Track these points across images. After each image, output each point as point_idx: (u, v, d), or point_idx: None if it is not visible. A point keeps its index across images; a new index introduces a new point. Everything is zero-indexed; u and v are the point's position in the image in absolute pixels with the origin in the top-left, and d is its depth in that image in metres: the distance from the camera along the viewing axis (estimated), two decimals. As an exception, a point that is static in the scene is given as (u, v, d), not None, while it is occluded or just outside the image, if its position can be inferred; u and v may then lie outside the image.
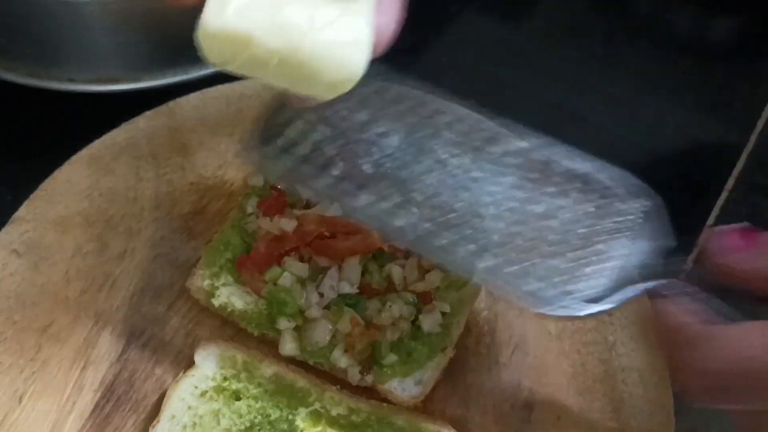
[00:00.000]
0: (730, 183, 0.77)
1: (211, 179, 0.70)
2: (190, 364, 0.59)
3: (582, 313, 0.42)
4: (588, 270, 0.43)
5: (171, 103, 0.74)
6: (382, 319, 0.58)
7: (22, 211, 0.67)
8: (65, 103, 0.77)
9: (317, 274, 0.61)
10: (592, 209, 0.45)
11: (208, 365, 0.58)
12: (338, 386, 0.57)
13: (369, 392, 0.58)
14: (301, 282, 0.60)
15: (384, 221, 0.44)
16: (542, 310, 0.42)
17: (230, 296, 0.61)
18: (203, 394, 0.57)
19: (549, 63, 0.85)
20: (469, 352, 0.62)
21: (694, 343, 0.37)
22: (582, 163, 0.46)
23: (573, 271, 0.43)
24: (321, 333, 0.58)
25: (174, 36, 0.78)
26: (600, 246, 0.43)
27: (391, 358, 0.58)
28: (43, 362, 0.60)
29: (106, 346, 0.61)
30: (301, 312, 0.59)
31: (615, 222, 0.44)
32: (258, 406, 0.56)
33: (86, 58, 0.78)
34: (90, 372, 0.59)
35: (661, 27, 0.94)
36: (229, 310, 0.61)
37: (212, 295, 0.61)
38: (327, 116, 0.46)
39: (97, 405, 0.58)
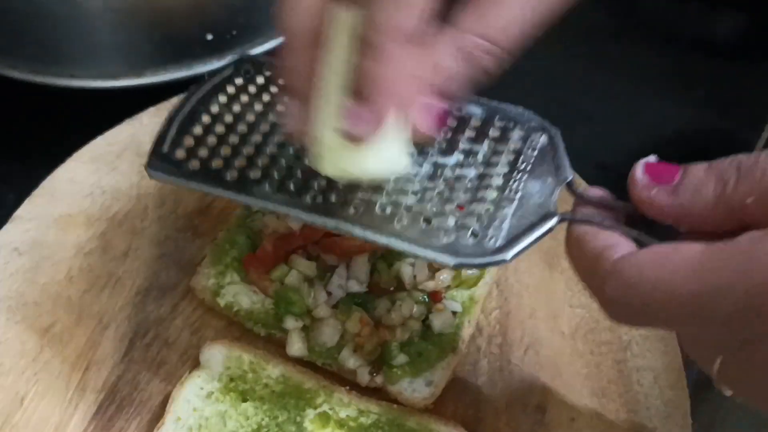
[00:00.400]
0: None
1: (216, 177, 0.69)
2: (195, 364, 0.57)
3: (494, 260, 0.41)
4: (493, 215, 0.42)
5: (174, 99, 0.72)
6: (392, 318, 0.57)
7: (23, 209, 0.66)
8: (67, 100, 0.75)
9: (325, 272, 0.59)
10: (486, 152, 0.45)
11: (213, 366, 0.57)
12: (347, 387, 0.56)
13: (378, 393, 0.56)
14: (309, 281, 0.59)
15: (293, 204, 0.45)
16: (454, 264, 0.41)
17: (236, 295, 0.60)
18: (209, 395, 0.55)
19: (555, 60, 0.84)
20: (480, 353, 0.60)
21: (604, 275, 0.37)
22: (473, 108, 0.47)
23: (478, 218, 0.42)
24: (329, 333, 0.57)
25: (178, 31, 0.77)
26: (502, 190, 0.44)
27: (401, 358, 0.56)
28: (45, 363, 0.58)
29: (110, 347, 0.59)
30: (309, 311, 0.58)
31: (511, 163, 0.44)
32: (265, 407, 0.55)
33: (87, 53, 0.77)
34: (93, 373, 0.58)
35: (668, 25, 0.94)
36: (234, 309, 0.60)
37: (218, 294, 0.60)
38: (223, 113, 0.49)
39: (100, 407, 0.56)
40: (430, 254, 0.42)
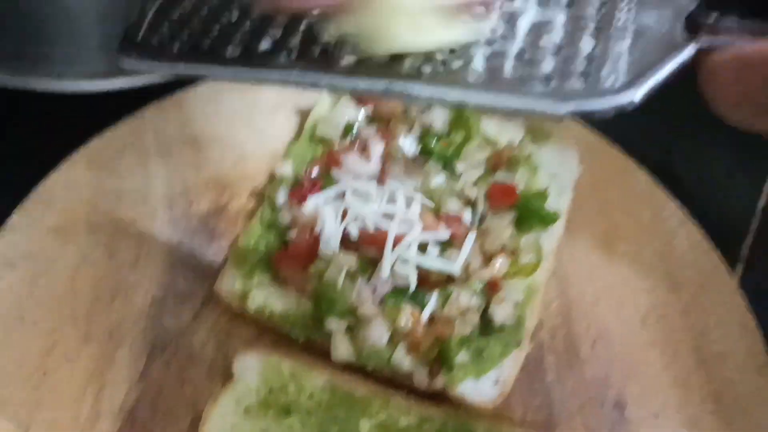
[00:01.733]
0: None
1: (230, 174, 0.62)
2: (226, 378, 0.50)
3: (619, 101, 0.33)
4: (605, 51, 0.34)
5: (178, 95, 0.66)
6: (449, 312, 0.50)
7: (15, 219, 0.58)
8: (57, 101, 0.68)
9: (367, 266, 0.53)
10: None
11: (249, 377, 0.49)
12: (404, 392, 0.49)
13: (440, 398, 0.50)
14: (351, 275, 0.52)
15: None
16: (566, 111, 0.33)
17: (267, 298, 0.53)
18: (247, 411, 0.48)
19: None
20: (544, 348, 0.54)
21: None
22: None
23: (585, 59, 0.35)
24: (378, 333, 0.50)
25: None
26: (609, 25, 0.36)
27: (462, 356, 0.50)
28: (50, 388, 0.50)
29: (125, 366, 0.52)
30: (353, 310, 0.51)
31: None
32: (312, 421, 0.48)
33: (74, 50, 0.70)
34: (107, 396, 0.50)
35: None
36: (267, 313, 0.53)
37: (246, 298, 0.53)
38: None
39: (118, 433, 0.49)
40: (528, 103, 0.33)
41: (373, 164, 0.57)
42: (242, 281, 0.54)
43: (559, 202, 0.58)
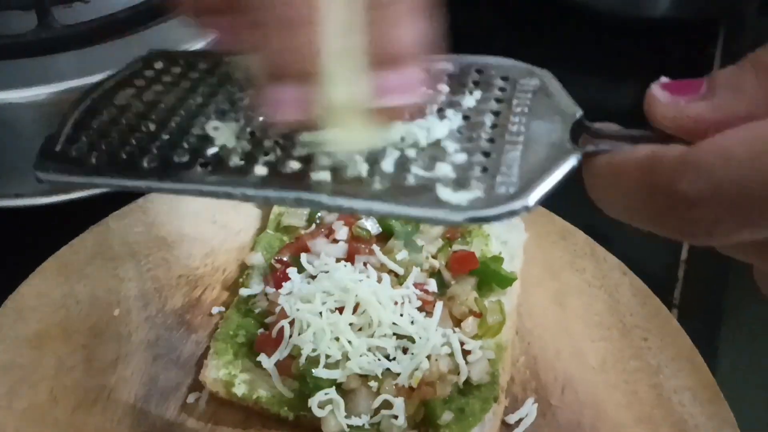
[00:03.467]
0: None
1: (201, 268, 0.65)
2: (221, 465, 0.51)
3: (513, 208, 0.34)
4: (497, 161, 0.36)
5: (141, 200, 0.69)
6: (430, 375, 0.54)
7: (-13, 332, 0.59)
8: (18, 218, 0.70)
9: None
10: (471, 102, 0.39)
11: (245, 461, 0.50)
12: (397, 456, 0.51)
13: (430, 458, 0.52)
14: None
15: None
16: (463, 219, 0.34)
17: (252, 382, 0.55)
18: (247, 493, 0.49)
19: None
20: (518, 401, 0.58)
21: (672, 176, 0.30)
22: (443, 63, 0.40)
23: (477, 167, 0.36)
24: (364, 402, 0.53)
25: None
26: (501, 135, 0.37)
27: (447, 416, 0.53)
28: (40, 497, 0.50)
29: (115, 465, 0.52)
30: (339, 384, 0.54)
31: (504, 108, 0.38)
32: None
33: (29, 169, 0.72)
34: (100, 498, 0.50)
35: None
36: (254, 397, 0.54)
37: (232, 385, 0.55)
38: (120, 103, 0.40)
39: None
40: (428, 213, 0.34)
41: (340, 246, 0.61)
42: (226, 369, 0.55)
43: (512, 265, 0.63)
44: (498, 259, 0.61)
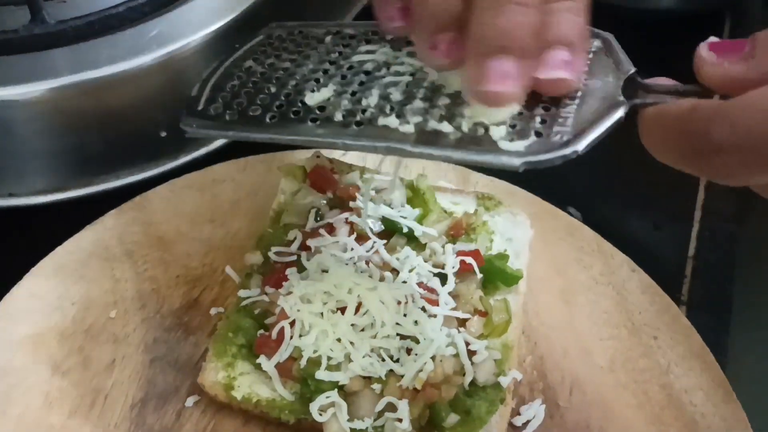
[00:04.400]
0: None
1: (199, 268, 0.63)
2: (220, 471, 0.50)
3: (565, 153, 0.39)
4: (556, 113, 0.41)
5: (138, 198, 0.67)
6: (435, 377, 0.52)
7: (-20, 336, 0.57)
8: (11, 218, 0.68)
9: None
10: None
11: (245, 466, 0.49)
12: (401, 460, 0.50)
13: (435, 461, 0.51)
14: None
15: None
16: (520, 163, 0.39)
17: (252, 385, 0.54)
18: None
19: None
20: (526, 402, 0.56)
21: (707, 123, 0.35)
22: None
23: (539, 119, 0.41)
24: (367, 406, 0.51)
25: (128, 132, 0.72)
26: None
27: (453, 418, 0.51)
28: (35, 505, 0.49)
29: (112, 472, 0.51)
30: (341, 387, 0.52)
31: None
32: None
33: (22, 168, 0.70)
34: (97, 506, 0.49)
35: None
36: (254, 400, 0.53)
37: (231, 388, 0.53)
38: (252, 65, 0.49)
39: None
40: (491, 158, 0.40)
41: (342, 244, 0.59)
42: (225, 371, 0.54)
43: (518, 262, 0.61)
44: (503, 257, 0.60)
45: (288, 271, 0.57)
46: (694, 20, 0.96)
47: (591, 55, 0.43)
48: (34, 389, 0.55)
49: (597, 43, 0.44)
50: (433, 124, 0.42)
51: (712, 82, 0.37)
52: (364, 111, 0.44)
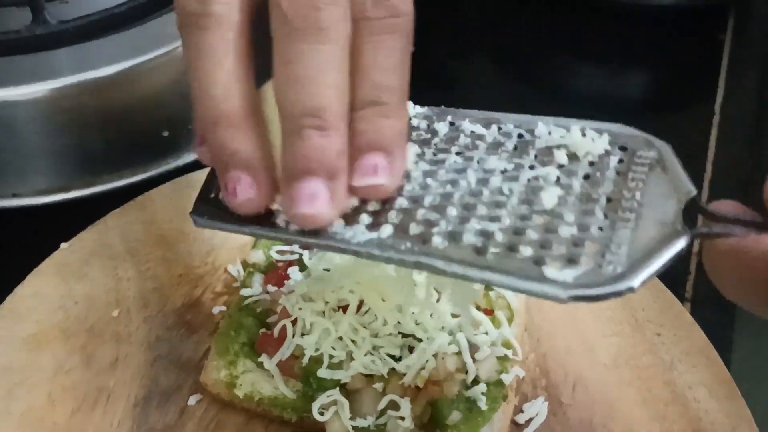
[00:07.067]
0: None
1: (201, 268, 0.63)
2: (222, 469, 0.50)
3: (619, 289, 0.34)
4: (608, 238, 0.36)
5: (140, 198, 0.67)
6: (436, 374, 0.52)
7: (-17, 335, 0.57)
8: (15, 218, 0.69)
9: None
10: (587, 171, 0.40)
11: (247, 464, 0.49)
12: (403, 458, 0.50)
13: (438, 459, 0.51)
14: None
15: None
16: (567, 297, 0.34)
17: (254, 383, 0.53)
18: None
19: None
20: (528, 399, 0.56)
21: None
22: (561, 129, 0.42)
23: (589, 243, 0.36)
24: (369, 403, 0.51)
25: (130, 132, 0.73)
26: (614, 210, 0.37)
27: (455, 416, 0.51)
28: (38, 503, 0.49)
29: (115, 470, 0.51)
30: (342, 385, 0.52)
31: (619, 181, 0.39)
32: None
33: (25, 168, 0.71)
34: (100, 504, 0.49)
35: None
36: (256, 398, 0.53)
37: (234, 386, 0.53)
38: None
39: None
40: (535, 287, 0.35)
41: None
42: (227, 370, 0.54)
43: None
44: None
45: (290, 270, 0.57)
46: (698, 15, 0.96)
47: (646, 168, 0.39)
48: (38, 387, 0.55)
49: (652, 153, 0.40)
50: (469, 238, 0.37)
51: None
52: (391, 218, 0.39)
